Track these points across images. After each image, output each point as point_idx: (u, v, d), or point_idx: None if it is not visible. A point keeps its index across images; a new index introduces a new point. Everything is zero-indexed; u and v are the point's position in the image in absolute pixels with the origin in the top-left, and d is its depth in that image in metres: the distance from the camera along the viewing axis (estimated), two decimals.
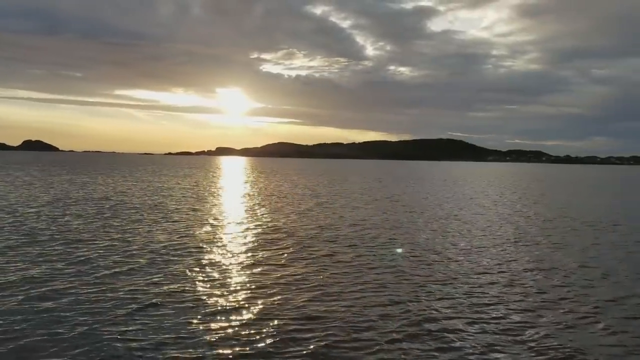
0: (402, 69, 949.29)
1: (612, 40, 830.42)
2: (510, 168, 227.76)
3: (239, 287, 12.14)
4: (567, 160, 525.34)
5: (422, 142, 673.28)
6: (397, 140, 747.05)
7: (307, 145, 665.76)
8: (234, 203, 32.82)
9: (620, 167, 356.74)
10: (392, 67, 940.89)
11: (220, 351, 8.52)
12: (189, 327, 9.47)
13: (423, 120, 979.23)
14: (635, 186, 72.54)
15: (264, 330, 9.53)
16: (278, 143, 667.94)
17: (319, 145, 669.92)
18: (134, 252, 15.74)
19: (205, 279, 12.84)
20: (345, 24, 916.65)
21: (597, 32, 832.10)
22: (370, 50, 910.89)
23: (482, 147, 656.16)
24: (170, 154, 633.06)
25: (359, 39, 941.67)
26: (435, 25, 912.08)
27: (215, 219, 24.25)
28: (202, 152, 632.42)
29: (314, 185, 54.43)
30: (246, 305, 10.90)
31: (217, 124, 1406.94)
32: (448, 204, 34.64)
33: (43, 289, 11.42)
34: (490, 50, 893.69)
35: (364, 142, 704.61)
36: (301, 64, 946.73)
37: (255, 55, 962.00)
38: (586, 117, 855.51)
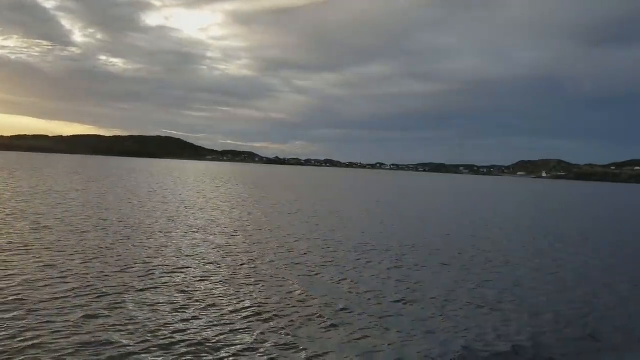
0: (114, 60, 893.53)
1: (310, 56, 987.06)
2: (236, 167, 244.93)
3: None
4: (277, 161, 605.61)
5: (139, 138, 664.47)
6: (110, 135, 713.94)
7: (3, 137, 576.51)
8: None
9: (319, 168, 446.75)
10: (103, 58, 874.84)
11: None
12: None
13: (137, 115, 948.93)
14: (330, 184, 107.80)
15: None
16: None
17: (19, 137, 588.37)
18: None
19: None
20: (49, 4, 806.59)
21: (298, 47, 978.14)
22: (78, 37, 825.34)
23: (200, 146, 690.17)
24: None
25: (65, 23, 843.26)
26: (150, 19, 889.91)
27: None
28: None
29: None
30: None
31: None
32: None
33: None
34: (205, 52, 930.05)
35: (73, 136, 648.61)
36: None
37: None
38: (289, 123, 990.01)
